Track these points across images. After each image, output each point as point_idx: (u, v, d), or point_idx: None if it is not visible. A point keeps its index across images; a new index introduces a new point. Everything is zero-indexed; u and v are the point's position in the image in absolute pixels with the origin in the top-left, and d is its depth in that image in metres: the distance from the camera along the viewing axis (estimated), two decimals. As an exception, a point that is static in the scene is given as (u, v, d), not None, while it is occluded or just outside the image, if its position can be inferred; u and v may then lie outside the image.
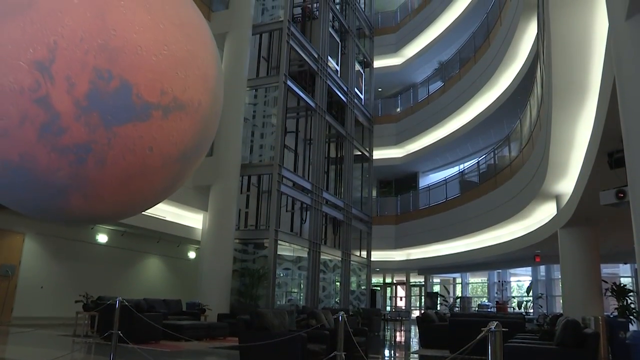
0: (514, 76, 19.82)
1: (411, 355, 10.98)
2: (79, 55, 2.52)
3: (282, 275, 16.23)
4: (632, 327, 12.26)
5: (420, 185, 29.40)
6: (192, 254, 18.20)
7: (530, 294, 24.46)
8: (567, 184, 12.75)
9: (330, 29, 19.50)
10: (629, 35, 4.92)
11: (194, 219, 15.18)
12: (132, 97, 2.63)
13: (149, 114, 2.70)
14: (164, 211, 14.07)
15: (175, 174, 3.16)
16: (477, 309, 24.11)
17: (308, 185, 16.89)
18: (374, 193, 28.66)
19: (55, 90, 2.50)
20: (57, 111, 2.52)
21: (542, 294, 23.63)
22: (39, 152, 2.59)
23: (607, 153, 8.21)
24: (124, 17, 2.67)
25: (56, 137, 2.56)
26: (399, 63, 30.19)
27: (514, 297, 27.50)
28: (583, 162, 10.60)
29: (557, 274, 22.37)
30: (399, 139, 28.51)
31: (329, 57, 18.94)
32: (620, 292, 12.41)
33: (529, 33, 16.85)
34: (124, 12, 2.67)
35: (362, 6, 24.67)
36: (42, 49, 2.50)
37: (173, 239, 15.82)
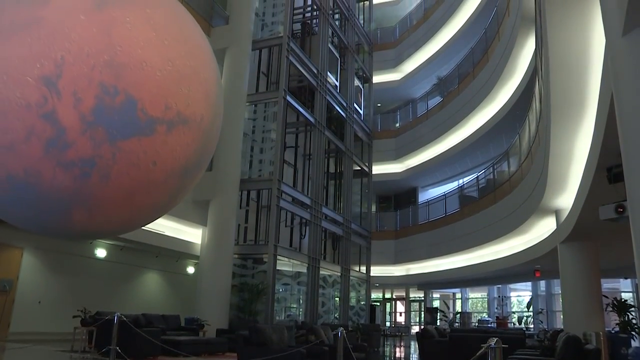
0: (512, 91, 19.94)
1: (411, 371, 10.91)
2: (85, 70, 2.55)
3: (281, 290, 16.14)
4: (634, 343, 12.21)
5: (419, 200, 29.37)
6: (191, 269, 18.12)
7: (531, 309, 24.35)
8: (566, 198, 12.77)
9: (330, 45, 19.65)
10: (625, 51, 4.97)
11: (193, 234, 15.14)
12: (137, 112, 2.66)
13: (154, 128, 2.73)
14: (163, 226, 14.04)
15: (177, 188, 3.18)
16: (477, 324, 23.98)
17: (307, 201, 16.88)
18: (373, 208, 28.61)
19: (61, 105, 2.53)
20: (63, 126, 2.54)
21: (542, 309, 23.53)
22: (44, 167, 2.60)
23: (606, 168, 8.24)
24: (130, 33, 2.71)
25: (61, 152, 2.58)
26: (398, 78, 30.37)
27: (514, 313, 27.35)
28: (582, 177, 10.63)
29: (557, 289, 22.29)
30: (398, 154, 28.58)
31: (329, 73, 19.06)
32: (621, 307, 12.40)
33: (528, 48, 16.99)
34: (129, 28, 2.72)
35: (362, 22, 24.89)
36: (49, 65, 2.53)
37: (172, 253, 15.76)
